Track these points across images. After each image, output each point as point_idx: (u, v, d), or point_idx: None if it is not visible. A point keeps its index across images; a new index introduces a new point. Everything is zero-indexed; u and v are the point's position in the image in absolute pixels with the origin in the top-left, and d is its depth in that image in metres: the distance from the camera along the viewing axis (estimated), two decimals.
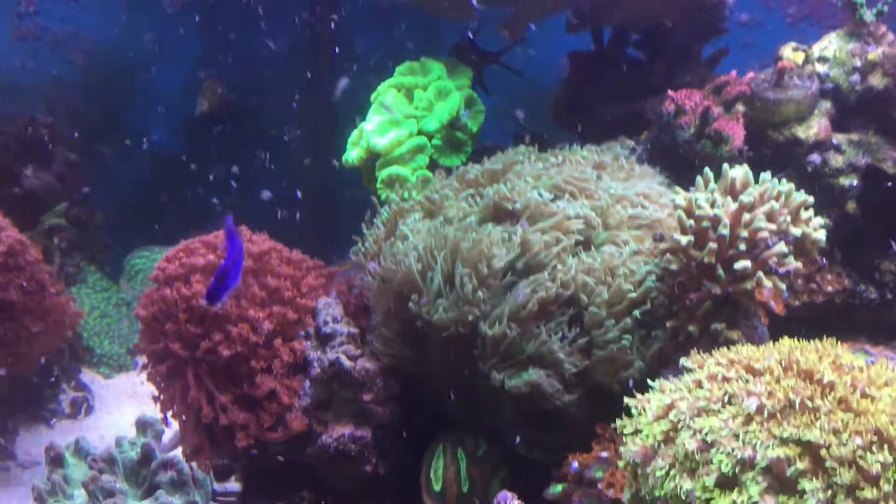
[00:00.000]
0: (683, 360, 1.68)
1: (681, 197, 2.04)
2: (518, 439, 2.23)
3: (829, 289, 2.60)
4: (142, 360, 3.70)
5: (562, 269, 2.14)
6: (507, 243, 2.18)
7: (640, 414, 1.61)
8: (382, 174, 2.76)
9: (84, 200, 3.91)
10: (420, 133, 2.84)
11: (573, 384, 2.11)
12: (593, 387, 2.12)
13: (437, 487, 2.34)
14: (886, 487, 1.36)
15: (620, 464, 1.74)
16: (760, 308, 2.07)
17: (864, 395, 1.46)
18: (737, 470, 1.41)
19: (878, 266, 2.67)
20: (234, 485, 2.63)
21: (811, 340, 1.65)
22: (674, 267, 2.01)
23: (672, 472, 1.48)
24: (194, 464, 2.21)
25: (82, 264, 3.87)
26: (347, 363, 2.38)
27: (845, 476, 1.37)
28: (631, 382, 2.07)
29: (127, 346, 3.83)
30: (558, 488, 2.07)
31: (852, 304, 2.65)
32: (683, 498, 1.44)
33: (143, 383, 2.60)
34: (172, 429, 2.61)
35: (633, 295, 2.09)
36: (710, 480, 1.42)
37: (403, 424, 2.47)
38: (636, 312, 2.11)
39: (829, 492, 1.37)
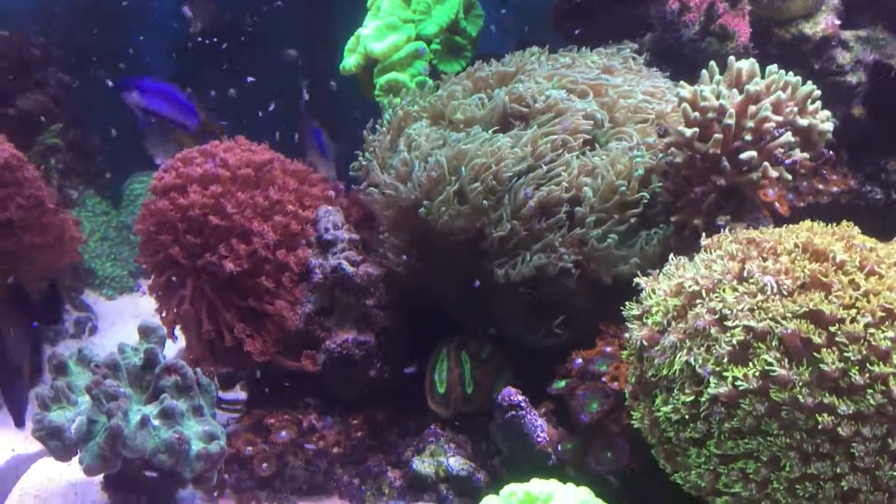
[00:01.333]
0: (703, 240, 1.64)
1: (686, 90, 1.98)
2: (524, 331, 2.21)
3: (835, 189, 2.55)
4: (145, 282, 3.69)
5: (565, 169, 2.10)
6: (517, 150, 2.13)
7: (650, 295, 1.58)
8: (381, 80, 2.69)
9: (81, 117, 3.84)
10: (418, 38, 2.77)
11: (574, 276, 2.07)
12: (592, 282, 2.09)
13: (441, 390, 2.33)
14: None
15: (624, 354, 1.72)
16: (765, 209, 2.03)
17: (873, 274, 1.44)
18: (751, 341, 1.38)
19: (884, 167, 2.62)
20: (239, 393, 2.63)
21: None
22: (679, 160, 1.96)
23: (683, 348, 1.45)
24: (199, 370, 2.19)
25: (81, 188, 3.82)
26: (349, 268, 2.35)
27: (857, 352, 1.35)
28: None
29: (129, 269, 3.80)
30: (562, 384, 2.06)
31: (857, 206, 2.60)
32: (696, 372, 1.42)
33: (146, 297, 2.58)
34: (179, 345, 2.59)
35: (625, 190, 2.05)
36: (723, 353, 1.40)
37: (407, 330, 2.45)
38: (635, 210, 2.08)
39: (842, 364, 1.34)
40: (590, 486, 1.75)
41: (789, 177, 1.89)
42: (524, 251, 2.08)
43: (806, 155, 1.93)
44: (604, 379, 1.97)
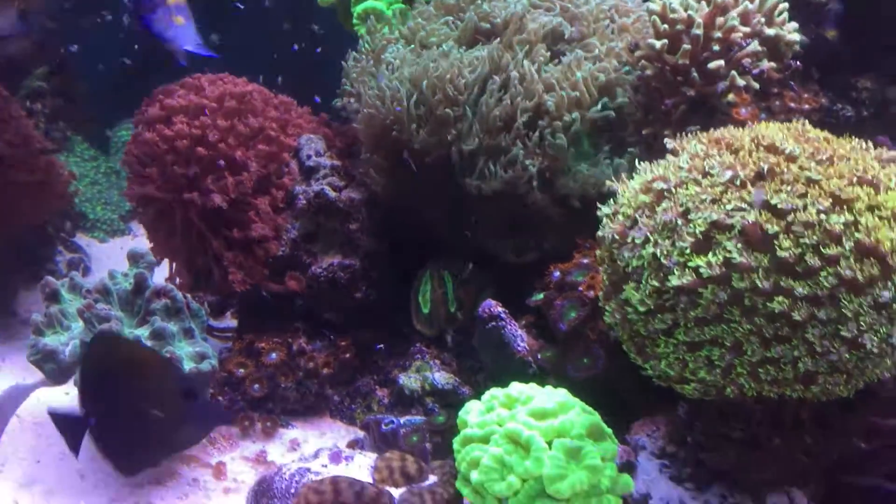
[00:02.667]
0: (668, 142, 1.68)
1: (655, 3, 2.01)
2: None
3: (807, 107, 2.58)
4: (137, 226, 3.72)
5: (528, 80, 2.13)
6: (477, 61, 2.16)
7: (622, 194, 1.63)
8: (357, 9, 2.71)
9: (66, 63, 3.83)
10: None
11: (542, 187, 2.12)
12: (564, 197, 2.14)
13: (425, 310, 2.39)
14: (848, 245, 1.40)
15: (598, 254, 1.77)
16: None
17: (825, 162, 1.48)
18: (712, 233, 1.43)
19: (854, 84, 2.65)
20: (230, 321, 2.69)
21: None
22: (649, 73, 2.00)
23: (651, 241, 1.50)
24: (188, 295, 2.24)
25: (68, 133, 3.83)
26: (332, 194, 2.39)
27: (811, 236, 1.40)
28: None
29: (120, 213, 3.83)
30: (541, 296, 2.11)
31: (829, 123, 2.63)
32: (661, 262, 1.47)
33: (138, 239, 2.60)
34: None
35: (585, 99, 2.08)
36: (687, 243, 1.45)
37: (392, 253, 2.50)
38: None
39: (798, 250, 1.39)
40: (568, 388, 1.82)
41: (756, 85, 1.93)
42: (494, 164, 2.12)
43: (773, 65, 1.97)
44: (580, 288, 2.02)
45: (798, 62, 2.12)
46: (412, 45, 2.37)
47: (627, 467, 1.87)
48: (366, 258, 2.44)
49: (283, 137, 2.50)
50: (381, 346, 2.46)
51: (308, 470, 1.90)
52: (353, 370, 2.49)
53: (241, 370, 2.37)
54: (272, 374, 2.39)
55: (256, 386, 2.38)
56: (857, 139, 1.61)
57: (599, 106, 2.15)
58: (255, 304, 2.54)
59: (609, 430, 1.78)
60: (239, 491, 2.15)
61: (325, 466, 1.91)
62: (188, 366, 2.05)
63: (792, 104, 2.57)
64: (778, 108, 2.62)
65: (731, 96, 2.03)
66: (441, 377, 2.26)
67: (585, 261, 2.06)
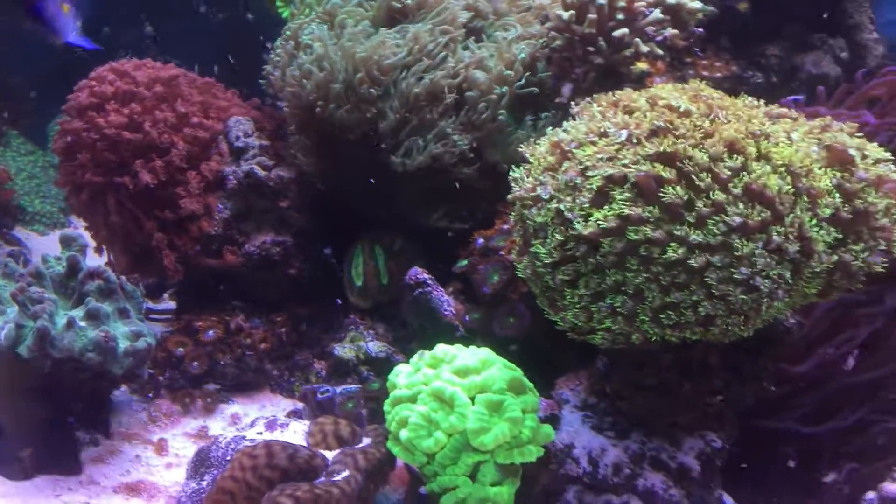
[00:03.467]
0: (572, 107, 1.74)
1: None
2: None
3: (718, 75, 2.67)
4: (77, 219, 3.70)
5: (452, 59, 2.18)
6: (398, 41, 2.20)
7: (531, 157, 1.68)
8: None
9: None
10: None
11: (470, 160, 2.18)
12: (489, 167, 2.20)
13: (358, 283, 2.43)
14: (736, 190, 1.47)
15: (512, 214, 1.82)
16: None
17: (717, 119, 1.56)
18: (608, 187, 1.50)
19: (763, 52, 2.75)
20: (169, 303, 2.70)
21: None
22: (559, 43, 2.06)
23: (555, 198, 1.57)
24: (122, 277, 2.25)
25: (4, 128, 3.78)
26: (262, 173, 2.42)
27: (703, 181, 1.47)
28: None
29: (59, 206, 3.80)
30: (465, 262, 2.17)
31: (741, 90, 2.73)
32: (564, 216, 1.53)
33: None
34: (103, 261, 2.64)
35: (510, 74, 2.14)
36: (586, 199, 1.52)
37: (324, 230, 2.54)
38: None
39: (688, 196, 1.47)
40: (494, 350, 1.88)
41: (660, 52, 2.00)
42: (418, 141, 2.17)
43: (676, 32, 2.04)
44: (502, 252, 2.08)
45: (701, 29, 2.19)
46: (328, 26, 2.40)
47: (552, 420, 1.94)
48: (298, 235, 2.48)
49: (210, 121, 2.52)
50: (339, 301, 2.48)
51: (243, 438, 1.93)
52: (290, 345, 2.52)
53: (181, 349, 2.40)
54: (211, 352, 2.42)
55: (196, 364, 2.40)
56: (750, 98, 1.70)
57: (523, 80, 2.21)
58: (192, 284, 2.56)
59: (530, 385, 1.84)
60: (181, 465, 2.18)
61: (261, 434, 1.95)
62: (123, 345, 2.07)
63: (705, 72, 2.66)
64: (692, 76, 2.71)
65: (645, 66, 2.11)
66: (375, 346, 2.31)
67: (506, 226, 2.12)
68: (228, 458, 1.88)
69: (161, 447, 2.22)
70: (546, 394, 1.98)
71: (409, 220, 2.40)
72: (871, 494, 1.86)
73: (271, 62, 2.51)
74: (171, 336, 2.45)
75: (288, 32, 2.52)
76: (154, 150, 2.39)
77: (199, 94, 2.56)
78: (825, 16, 2.76)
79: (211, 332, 2.41)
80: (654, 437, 1.90)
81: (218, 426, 2.35)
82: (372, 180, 2.30)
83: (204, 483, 1.89)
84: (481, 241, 2.15)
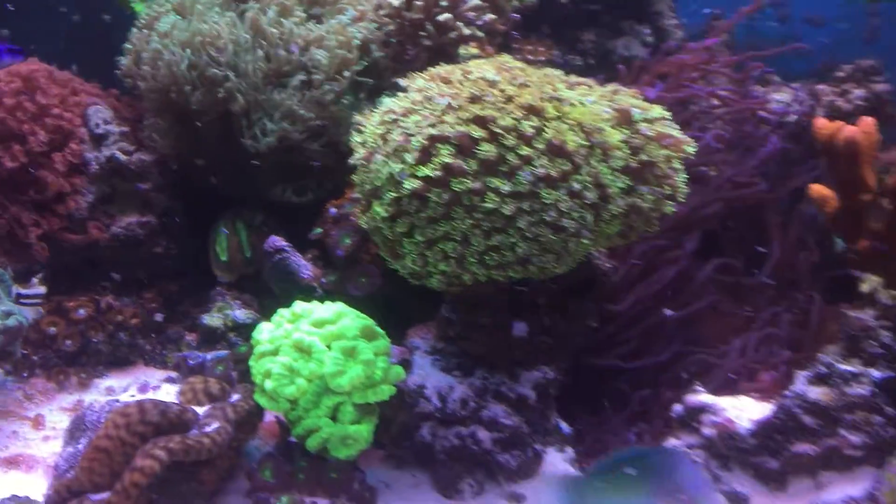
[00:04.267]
0: (399, 80, 1.93)
1: None
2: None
3: (542, 58, 2.93)
4: None
5: (294, 38, 2.33)
6: (236, 22, 2.33)
7: (367, 126, 1.86)
8: None
9: None
10: None
11: (317, 137, 2.33)
12: (334, 144, 2.36)
13: (223, 258, 2.55)
14: (539, 146, 1.70)
15: (355, 178, 1.99)
16: None
17: (522, 86, 1.78)
18: (432, 146, 1.69)
19: (581, 38, 3.03)
20: (39, 288, 2.73)
21: None
22: (391, 27, 2.25)
23: (388, 162, 1.75)
24: None
25: None
26: (123, 157, 2.49)
27: (509, 140, 1.68)
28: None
29: None
30: (319, 230, 2.33)
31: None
32: (395, 178, 1.72)
33: None
34: None
35: (349, 56, 2.31)
36: (412, 158, 1.71)
37: (188, 209, 2.63)
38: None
39: (498, 150, 1.68)
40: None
41: (482, 34, 2.22)
42: (266, 121, 2.31)
43: (495, 16, 2.26)
44: (353, 218, 2.25)
45: (518, 15, 2.43)
46: (185, 14, 2.50)
47: (404, 364, 2.11)
48: (163, 215, 2.56)
49: (70, 112, 2.57)
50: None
51: (117, 401, 2.02)
52: (162, 321, 2.61)
53: (53, 328, 2.44)
54: (83, 330, 2.47)
55: (69, 342, 2.46)
56: (550, 69, 1.93)
57: (361, 62, 2.38)
58: (61, 268, 2.60)
59: (381, 332, 2.02)
60: (58, 437, 2.22)
61: (134, 396, 2.04)
62: None
63: (530, 56, 2.91)
64: (518, 59, 2.96)
65: (476, 49, 2.32)
66: (242, 313, 2.43)
67: (356, 195, 2.29)
68: (102, 420, 1.96)
69: (38, 422, 2.27)
70: (399, 343, 2.16)
71: (267, 196, 2.53)
72: (678, 406, 2.12)
73: (126, 51, 2.58)
74: (44, 317, 2.49)
75: (142, 21, 2.60)
76: (13, 138, 2.42)
77: (58, 87, 2.60)
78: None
79: (82, 311, 2.47)
80: (496, 372, 2.09)
81: (93, 399, 2.40)
82: (229, 160, 2.42)
83: (80, 446, 1.96)
84: (334, 210, 2.31)
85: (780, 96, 2.71)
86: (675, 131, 1.82)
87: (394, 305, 2.27)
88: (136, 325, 2.53)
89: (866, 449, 1.87)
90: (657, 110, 1.87)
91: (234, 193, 2.57)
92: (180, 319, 2.63)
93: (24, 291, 2.66)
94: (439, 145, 1.68)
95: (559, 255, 1.80)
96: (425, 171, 1.68)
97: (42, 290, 2.72)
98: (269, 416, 2.14)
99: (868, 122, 1.92)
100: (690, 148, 1.84)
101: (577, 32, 3.02)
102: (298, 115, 2.29)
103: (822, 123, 1.98)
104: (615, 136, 1.78)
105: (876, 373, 1.89)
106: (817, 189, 2.04)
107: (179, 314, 2.64)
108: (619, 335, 2.45)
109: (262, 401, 1.97)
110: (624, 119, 1.82)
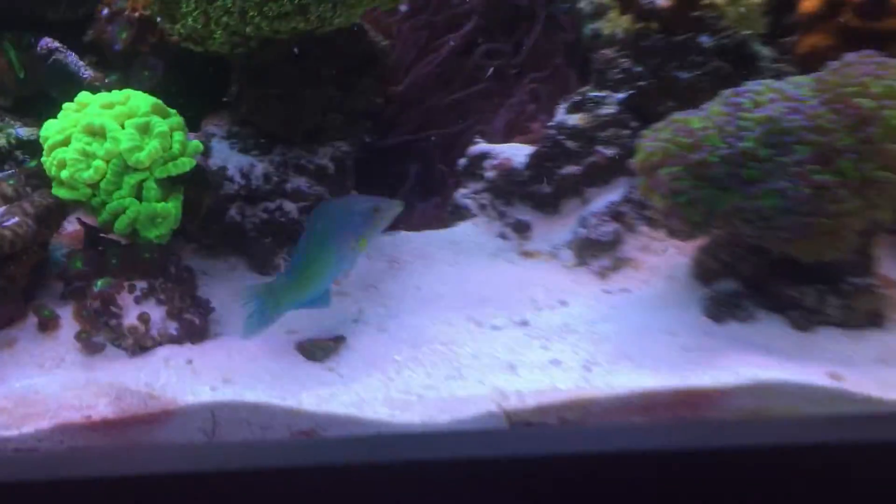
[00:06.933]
0: None
1: None
2: None
3: None
4: None
5: None
6: None
7: None
8: None
9: None
10: None
11: None
12: None
13: None
14: None
15: None
16: None
17: None
18: None
19: None
20: None
21: None
22: None
23: None
24: None
25: None
26: None
27: None
28: None
29: None
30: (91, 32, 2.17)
31: None
32: None
33: None
34: None
35: None
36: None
37: None
38: None
39: None
40: None
41: None
42: None
43: None
44: (126, 12, 2.11)
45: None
46: None
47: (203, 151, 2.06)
48: None
49: None
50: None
51: None
52: None
53: None
54: None
55: None
56: None
57: None
58: None
59: (173, 111, 1.93)
60: None
61: None
62: None
63: None
64: None
65: None
66: (25, 130, 2.24)
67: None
68: None
69: None
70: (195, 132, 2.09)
71: (35, 15, 2.31)
72: (462, 160, 2.22)
73: None
74: None
75: None
76: None
77: None
78: None
79: None
80: (294, 148, 2.09)
81: None
82: None
83: None
84: (106, 10, 2.15)
85: None
86: None
87: (182, 98, 2.17)
88: None
89: (619, 160, 2.06)
90: None
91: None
92: None
93: None
94: None
95: (336, 5, 1.81)
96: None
97: None
98: (70, 228, 2.03)
99: None
100: None
101: None
102: None
103: None
104: None
105: (620, 94, 2.07)
106: None
107: None
108: (404, 113, 2.50)
109: (61, 192, 1.86)
110: None
